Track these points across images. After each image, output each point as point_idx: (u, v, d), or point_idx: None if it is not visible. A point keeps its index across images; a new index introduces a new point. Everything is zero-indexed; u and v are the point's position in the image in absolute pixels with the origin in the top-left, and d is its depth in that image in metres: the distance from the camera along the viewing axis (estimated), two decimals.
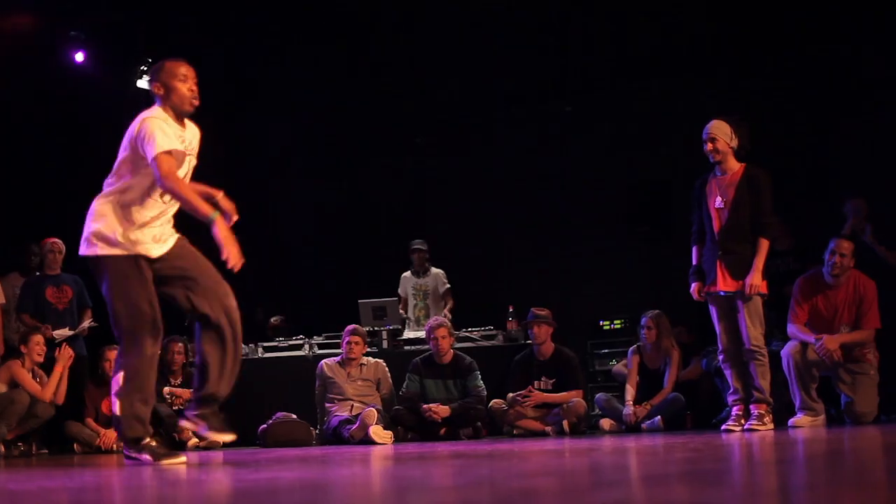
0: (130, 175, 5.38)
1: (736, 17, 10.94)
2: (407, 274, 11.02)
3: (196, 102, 5.48)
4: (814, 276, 7.91)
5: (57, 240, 9.75)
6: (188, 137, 5.50)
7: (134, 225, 5.41)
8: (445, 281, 10.89)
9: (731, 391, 7.39)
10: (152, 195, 5.40)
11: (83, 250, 5.51)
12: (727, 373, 7.39)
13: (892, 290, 8.65)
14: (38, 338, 9.04)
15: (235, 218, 5.47)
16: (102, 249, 5.42)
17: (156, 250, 5.47)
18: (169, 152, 5.19)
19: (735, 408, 7.32)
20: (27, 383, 8.88)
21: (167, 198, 5.40)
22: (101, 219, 5.42)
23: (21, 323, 9.59)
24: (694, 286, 7.42)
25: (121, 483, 4.57)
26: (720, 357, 7.46)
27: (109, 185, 5.46)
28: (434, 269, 10.95)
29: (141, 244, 5.43)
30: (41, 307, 9.60)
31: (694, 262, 7.49)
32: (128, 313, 5.38)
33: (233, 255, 5.09)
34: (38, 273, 9.82)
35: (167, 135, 5.24)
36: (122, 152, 5.41)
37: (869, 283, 7.82)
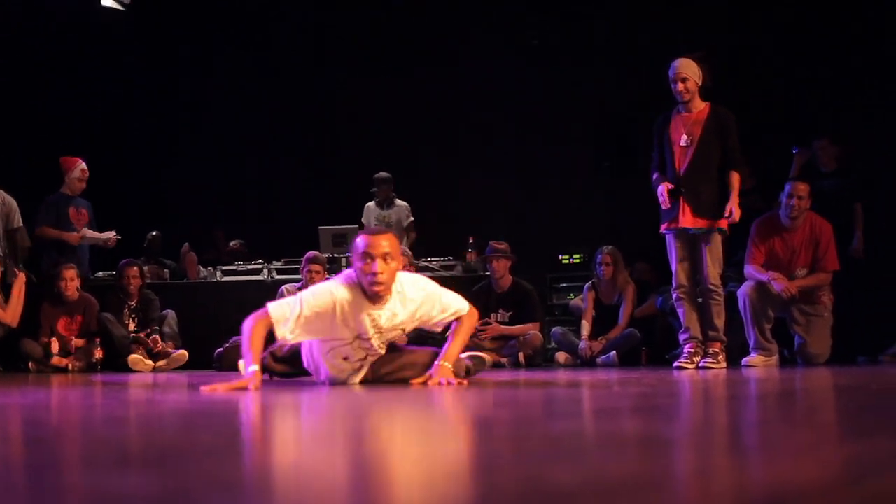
0: None
1: None
2: (371, 205, 10.90)
3: (377, 289, 4.70)
4: (771, 217, 7.93)
5: (84, 165, 9.79)
6: (384, 316, 4.85)
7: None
8: (409, 214, 10.78)
9: (682, 329, 7.40)
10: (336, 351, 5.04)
11: None
12: (680, 311, 7.34)
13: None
14: None
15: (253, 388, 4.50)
16: None
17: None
18: (280, 321, 4.78)
19: (687, 345, 7.32)
20: None
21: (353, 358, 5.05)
22: None
23: (42, 236, 9.63)
24: (662, 185, 7.15)
25: (74, 401, 4.56)
26: (674, 294, 7.41)
27: None
28: (399, 202, 10.82)
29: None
30: (63, 224, 9.67)
31: (655, 177, 7.30)
32: None
33: (219, 389, 4.45)
34: (59, 191, 9.83)
35: (296, 314, 4.77)
36: None
37: (825, 224, 7.85)
